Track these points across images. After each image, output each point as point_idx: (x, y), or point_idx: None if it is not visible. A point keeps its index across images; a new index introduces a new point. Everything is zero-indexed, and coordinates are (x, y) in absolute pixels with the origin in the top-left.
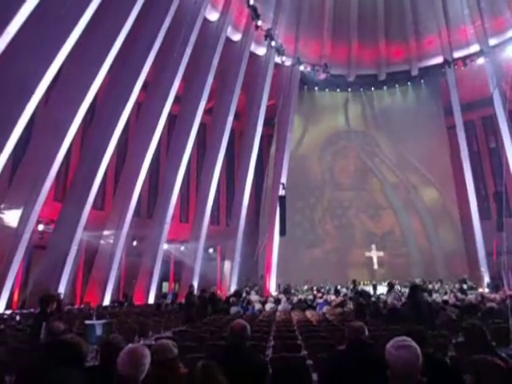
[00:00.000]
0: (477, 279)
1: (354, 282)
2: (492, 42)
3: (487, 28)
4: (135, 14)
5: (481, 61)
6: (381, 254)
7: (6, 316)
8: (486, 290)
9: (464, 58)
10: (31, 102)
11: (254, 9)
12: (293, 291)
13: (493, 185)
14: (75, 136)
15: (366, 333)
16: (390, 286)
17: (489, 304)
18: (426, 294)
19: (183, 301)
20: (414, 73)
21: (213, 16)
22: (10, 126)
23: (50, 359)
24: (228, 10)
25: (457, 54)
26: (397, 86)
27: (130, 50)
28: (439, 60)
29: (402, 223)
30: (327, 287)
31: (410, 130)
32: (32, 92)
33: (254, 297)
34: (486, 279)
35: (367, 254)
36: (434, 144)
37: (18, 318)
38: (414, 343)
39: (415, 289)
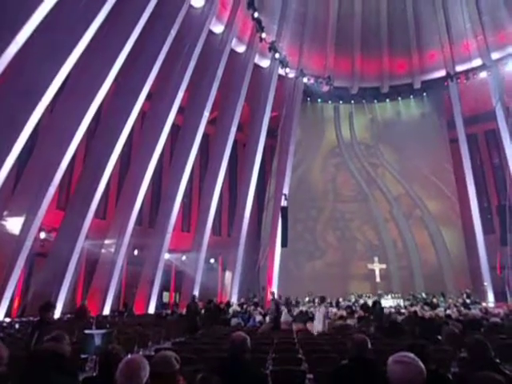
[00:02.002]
0: (480, 293)
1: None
2: (494, 55)
3: (490, 42)
4: (141, 25)
5: (483, 75)
6: (383, 266)
7: (5, 324)
8: (491, 305)
9: (466, 72)
10: (37, 110)
11: (258, 21)
12: (294, 303)
13: (496, 198)
14: (79, 145)
15: (369, 347)
16: (322, 300)
17: (492, 319)
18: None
19: (184, 311)
20: (417, 86)
21: (218, 28)
22: (16, 134)
23: (34, 367)
24: (233, 22)
25: (459, 68)
26: (399, 98)
27: (136, 60)
28: (442, 73)
29: (404, 236)
30: (328, 300)
31: (412, 143)
32: (38, 100)
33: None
34: (490, 294)
35: (369, 266)
36: (436, 157)
37: (17, 326)
38: (415, 359)
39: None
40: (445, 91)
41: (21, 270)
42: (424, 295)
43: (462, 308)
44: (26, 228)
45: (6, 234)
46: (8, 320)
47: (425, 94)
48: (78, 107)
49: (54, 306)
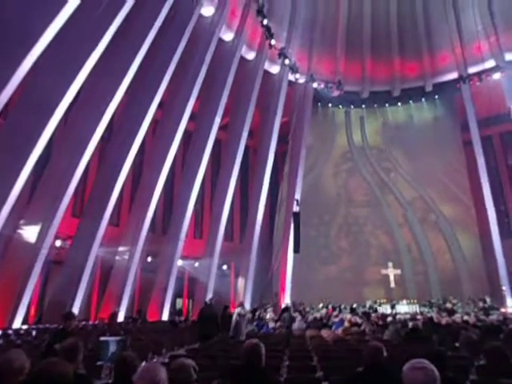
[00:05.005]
0: (498, 299)
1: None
2: (508, 56)
3: (502, 43)
4: (153, 34)
5: (497, 76)
6: (398, 271)
7: (22, 331)
8: (510, 310)
9: (479, 74)
10: (51, 122)
11: (267, 28)
12: (308, 309)
13: None
14: (93, 153)
15: (385, 354)
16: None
17: None
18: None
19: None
20: (429, 89)
21: (227, 36)
22: (31, 145)
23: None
24: (242, 30)
25: (472, 70)
26: (411, 102)
27: (148, 69)
28: (454, 76)
29: (419, 240)
30: (342, 306)
31: (425, 146)
32: (52, 112)
33: (268, 315)
34: (509, 299)
35: (383, 271)
36: (450, 160)
37: (34, 333)
38: (430, 365)
39: (286, 309)
40: (457, 93)
41: (37, 278)
42: (454, 301)
43: (481, 313)
44: (42, 236)
45: (23, 242)
46: (25, 327)
47: (437, 96)
48: (91, 117)
49: (74, 316)
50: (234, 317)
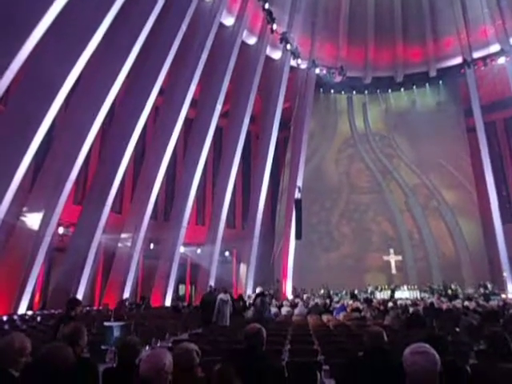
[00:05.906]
0: (500, 284)
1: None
2: None
3: (508, 27)
4: (152, 20)
5: (502, 60)
6: (399, 258)
7: (27, 317)
8: (511, 296)
9: (484, 58)
10: (52, 109)
11: (269, 12)
12: (309, 295)
13: None
14: (94, 140)
15: (385, 338)
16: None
17: None
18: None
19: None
20: (433, 74)
21: (228, 21)
22: (32, 132)
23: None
24: (243, 14)
25: (476, 54)
26: (414, 87)
27: (148, 55)
28: (458, 60)
29: (420, 226)
30: (343, 292)
31: (428, 132)
32: (53, 99)
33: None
34: (510, 284)
35: (385, 258)
36: (453, 146)
37: (38, 318)
38: (431, 349)
39: (259, 295)
40: (461, 78)
41: (41, 265)
42: (459, 289)
43: (481, 299)
44: (44, 224)
45: (26, 229)
46: (30, 313)
47: (441, 82)
48: (92, 104)
49: (80, 302)
50: (217, 302)
